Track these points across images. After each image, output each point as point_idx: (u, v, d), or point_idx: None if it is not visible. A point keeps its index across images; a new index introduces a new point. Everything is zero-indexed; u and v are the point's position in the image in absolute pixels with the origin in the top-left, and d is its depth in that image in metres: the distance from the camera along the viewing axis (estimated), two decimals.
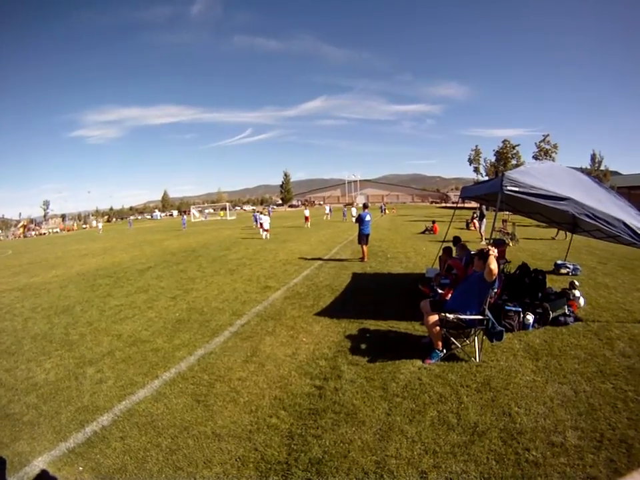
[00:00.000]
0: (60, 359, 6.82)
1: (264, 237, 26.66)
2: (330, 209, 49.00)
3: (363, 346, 6.74)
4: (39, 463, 4.03)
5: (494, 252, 5.85)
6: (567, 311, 7.67)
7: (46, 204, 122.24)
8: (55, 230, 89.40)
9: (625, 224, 6.74)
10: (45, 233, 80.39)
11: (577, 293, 8.63)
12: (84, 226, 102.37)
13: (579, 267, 12.20)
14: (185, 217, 58.85)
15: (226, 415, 4.76)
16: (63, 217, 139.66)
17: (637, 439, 4.11)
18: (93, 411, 5.01)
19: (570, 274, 11.80)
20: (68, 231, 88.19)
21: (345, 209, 49.51)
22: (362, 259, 15.49)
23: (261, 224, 31.00)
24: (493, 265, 5.67)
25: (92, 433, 4.53)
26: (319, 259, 16.70)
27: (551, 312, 7.51)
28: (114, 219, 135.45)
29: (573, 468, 3.69)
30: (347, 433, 4.33)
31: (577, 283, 9.43)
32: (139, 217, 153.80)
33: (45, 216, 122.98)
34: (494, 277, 5.77)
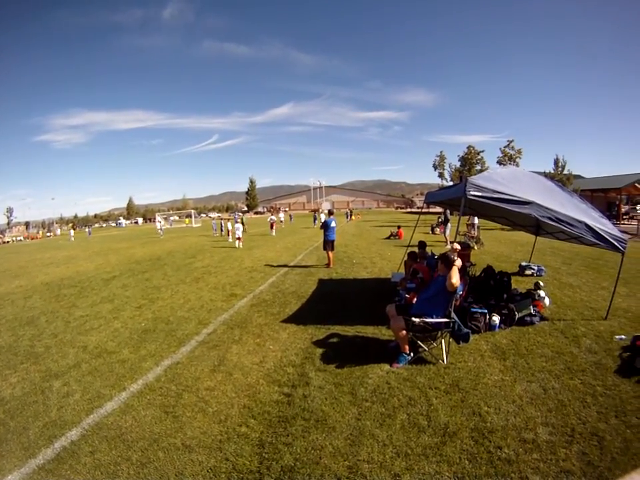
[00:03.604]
0: (26, 372, 6.63)
1: (237, 245, 25.82)
2: (271, 219, 38.06)
3: (331, 352, 6.74)
4: None
5: (458, 263, 5.92)
6: (532, 311, 7.80)
7: (9, 211, 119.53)
8: (18, 238, 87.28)
9: (586, 225, 6.92)
10: (8, 242, 78.27)
11: (542, 293, 8.78)
12: (48, 234, 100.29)
13: (543, 267, 12.44)
14: (162, 222, 57.27)
15: (195, 426, 4.70)
16: (27, 224, 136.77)
17: (607, 431, 4.22)
18: (61, 426, 4.88)
19: (535, 275, 12.02)
20: (32, 239, 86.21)
21: (316, 215, 49.33)
22: (327, 265, 15.58)
23: (229, 231, 30.62)
24: (454, 279, 5.74)
25: (61, 449, 4.41)
26: (285, 265, 16.69)
27: (516, 312, 7.63)
28: (78, 228, 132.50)
29: (546, 463, 3.76)
30: (318, 439, 4.32)
31: (541, 283, 9.63)
32: (104, 225, 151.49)
33: (8, 224, 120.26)
34: (454, 288, 5.84)
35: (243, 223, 40.70)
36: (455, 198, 8.11)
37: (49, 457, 4.27)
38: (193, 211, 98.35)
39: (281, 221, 50.12)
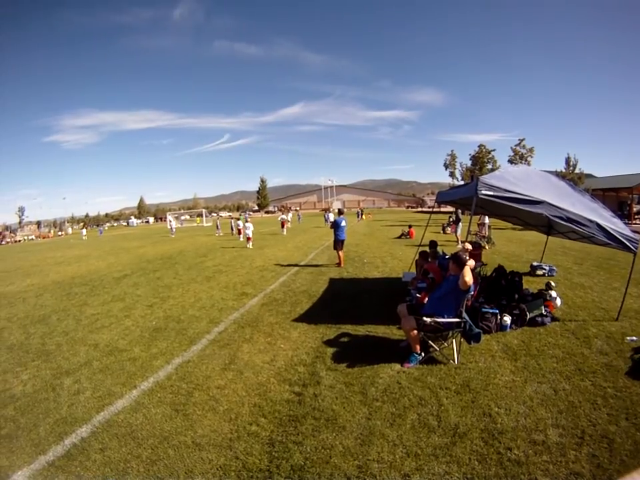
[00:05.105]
0: (37, 369, 6.68)
1: (248, 245, 25.42)
2: (283, 219, 40.90)
3: (341, 351, 6.74)
4: (19, 478, 3.94)
5: (471, 263, 5.90)
6: (543, 311, 7.76)
7: (21, 210, 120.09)
8: (30, 237, 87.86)
9: (598, 225, 6.88)
10: (20, 240, 78.74)
11: (554, 293, 8.73)
12: (59, 233, 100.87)
13: (554, 267, 12.36)
14: (173, 222, 56.56)
15: (206, 424, 4.72)
16: (39, 223, 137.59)
17: (617, 434, 4.19)
18: (71, 423, 4.91)
19: (546, 275, 11.95)
20: (43, 238, 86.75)
21: (327, 215, 48.94)
22: (338, 264, 15.60)
23: (239, 230, 30.61)
24: (468, 277, 5.70)
25: (71, 445, 4.43)
26: (296, 265, 16.70)
27: (528, 313, 7.59)
28: (89, 227, 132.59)
29: (555, 465, 3.74)
30: (328, 438, 4.32)
31: (553, 283, 9.57)
32: (115, 224, 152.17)
33: (20, 223, 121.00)
34: (468, 287, 5.81)
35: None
36: (466, 197, 8.07)
37: (59, 454, 4.30)
38: (203, 210, 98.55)
39: (288, 221, 49.30)
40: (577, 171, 56.85)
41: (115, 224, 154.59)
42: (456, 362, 6.06)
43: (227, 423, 4.72)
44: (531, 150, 60.42)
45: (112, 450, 4.31)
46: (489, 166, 65.63)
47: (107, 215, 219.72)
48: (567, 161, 57.85)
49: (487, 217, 20.14)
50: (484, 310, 7.45)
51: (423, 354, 6.13)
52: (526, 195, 6.58)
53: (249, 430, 4.55)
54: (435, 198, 12.11)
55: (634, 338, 6.73)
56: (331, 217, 39.38)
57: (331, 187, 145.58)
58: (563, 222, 6.85)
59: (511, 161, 60.99)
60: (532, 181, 7.54)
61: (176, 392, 5.56)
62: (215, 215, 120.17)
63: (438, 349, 6.23)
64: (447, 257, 8.15)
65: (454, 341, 6.28)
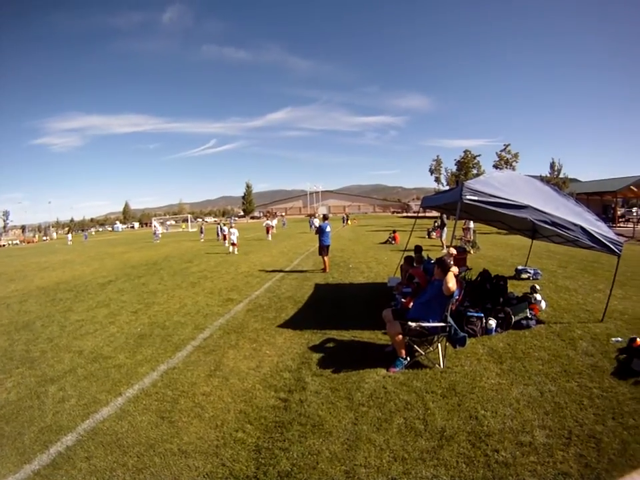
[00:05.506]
0: (21, 377, 6.61)
1: (233, 251, 25.18)
2: (268, 224, 41.12)
3: (327, 357, 6.74)
4: None
5: (454, 270, 5.93)
6: (528, 314, 7.81)
7: (5, 214, 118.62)
8: (14, 242, 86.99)
9: (582, 228, 6.95)
10: (4, 245, 77.98)
11: (538, 296, 8.80)
12: (44, 238, 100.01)
13: (539, 271, 12.47)
14: (158, 228, 55.82)
15: (192, 431, 4.68)
16: (23, 228, 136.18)
17: (604, 433, 4.23)
18: (56, 431, 4.86)
19: (531, 278, 12.05)
20: (28, 243, 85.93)
21: (312, 220, 48.80)
22: (324, 270, 15.63)
23: (224, 236, 30.53)
24: (451, 284, 5.74)
25: (56, 454, 4.38)
26: (281, 270, 16.71)
27: (513, 316, 7.63)
28: (74, 232, 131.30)
29: (543, 466, 3.77)
30: (315, 444, 4.30)
31: (537, 286, 9.64)
32: (100, 229, 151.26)
33: (4, 227, 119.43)
34: (451, 293, 5.84)
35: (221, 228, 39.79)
36: (451, 202, 8.11)
37: (44, 463, 4.25)
38: (189, 215, 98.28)
39: (273, 226, 48.62)
40: (561, 175, 57.30)
41: (100, 229, 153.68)
42: (442, 366, 6.06)
43: (212, 430, 4.69)
44: (515, 155, 60.75)
45: (98, 458, 4.26)
46: (474, 171, 65.89)
47: (92, 219, 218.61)
48: (552, 165, 58.30)
49: (471, 222, 20.24)
50: (469, 314, 7.48)
51: (408, 358, 6.14)
52: (510, 200, 6.64)
53: (235, 437, 4.53)
54: (420, 203, 12.17)
55: (619, 339, 6.80)
56: (316, 223, 39.31)
57: (317, 192, 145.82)
58: (547, 226, 6.91)
59: (496, 166, 61.29)
60: (516, 186, 7.60)
61: (161, 399, 5.51)
62: (201, 220, 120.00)
63: (423, 354, 6.24)
64: (432, 261, 8.17)
65: (439, 345, 6.29)
